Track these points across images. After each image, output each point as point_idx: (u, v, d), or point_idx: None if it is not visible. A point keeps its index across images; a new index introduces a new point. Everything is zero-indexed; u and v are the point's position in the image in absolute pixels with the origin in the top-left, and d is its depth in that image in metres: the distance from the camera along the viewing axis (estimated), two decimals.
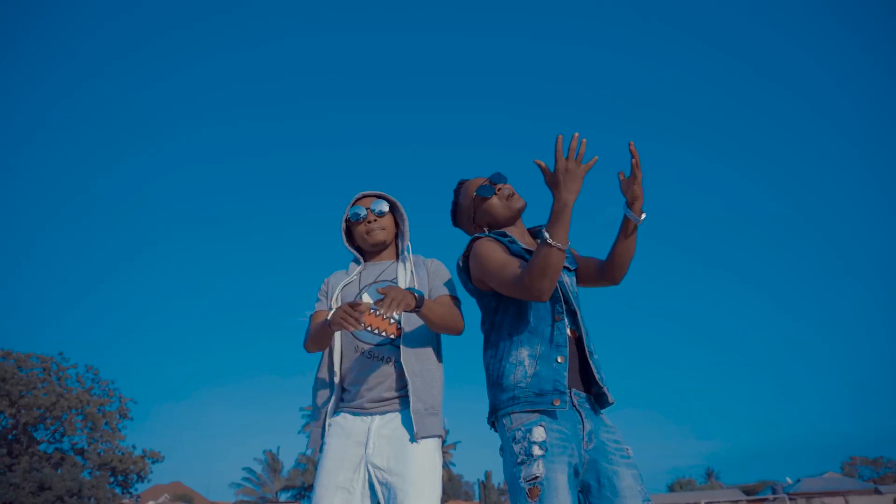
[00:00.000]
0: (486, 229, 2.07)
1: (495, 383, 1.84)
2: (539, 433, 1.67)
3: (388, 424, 1.91)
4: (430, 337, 2.04)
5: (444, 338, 2.11)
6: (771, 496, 41.42)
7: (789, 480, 44.40)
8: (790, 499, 39.74)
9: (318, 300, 2.19)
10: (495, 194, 2.03)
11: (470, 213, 2.10)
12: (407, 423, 1.90)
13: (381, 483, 1.83)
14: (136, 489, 28.30)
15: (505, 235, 1.99)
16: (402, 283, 2.07)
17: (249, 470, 51.74)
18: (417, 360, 1.96)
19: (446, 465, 53.35)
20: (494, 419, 1.84)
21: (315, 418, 2.00)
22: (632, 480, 1.70)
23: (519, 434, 1.70)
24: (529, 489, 1.60)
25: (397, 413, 1.93)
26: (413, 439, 1.86)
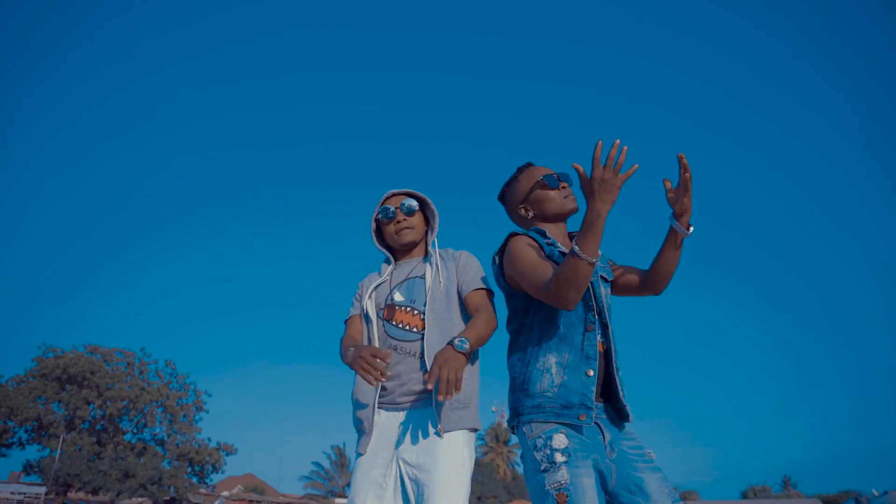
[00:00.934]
0: (529, 213, 2.04)
1: (520, 388, 1.81)
2: (560, 440, 1.66)
3: (419, 420, 1.92)
4: (456, 329, 2.01)
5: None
6: None
7: (875, 493, 41.66)
8: None
9: (352, 304, 2.22)
10: (557, 189, 2.00)
11: (524, 193, 2.05)
12: (434, 417, 1.89)
13: (410, 479, 1.84)
14: (211, 480, 29.63)
15: (544, 235, 1.95)
16: (429, 280, 2.07)
17: (318, 464, 53.16)
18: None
19: (511, 465, 53.07)
20: (516, 423, 1.81)
21: (361, 423, 2.00)
22: (658, 484, 1.69)
23: (540, 441, 1.68)
24: (557, 495, 1.58)
25: (428, 408, 1.92)
26: (437, 433, 1.85)
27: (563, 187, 2.00)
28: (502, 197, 2.16)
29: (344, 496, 48.05)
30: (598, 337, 1.81)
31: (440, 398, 1.67)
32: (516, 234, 1.93)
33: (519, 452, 1.81)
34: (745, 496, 51.23)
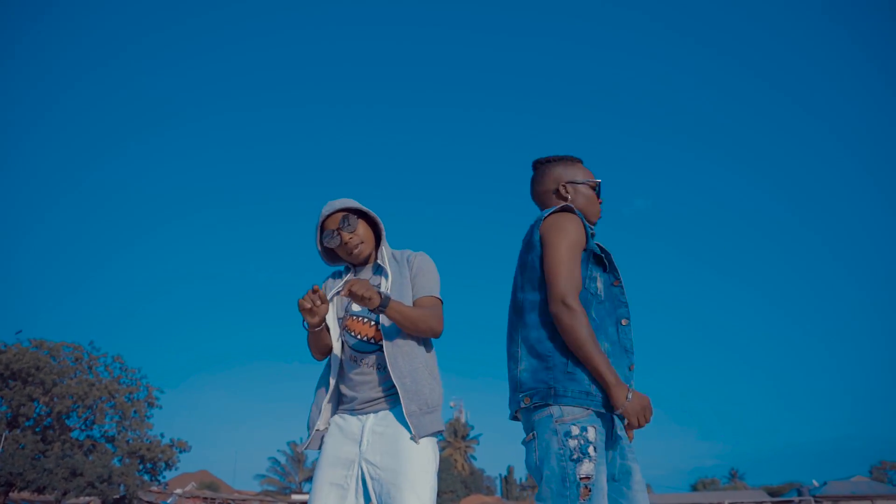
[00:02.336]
0: (568, 195, 2.01)
1: (532, 373, 1.76)
2: (593, 434, 1.66)
3: (382, 422, 1.93)
4: (412, 338, 2.00)
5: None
6: (796, 499, 40.75)
7: (815, 483, 43.53)
8: (816, 501, 39.03)
9: None
10: (599, 200, 2.06)
11: (576, 177, 2.04)
12: (401, 420, 1.90)
13: (373, 479, 1.85)
14: (164, 477, 29.01)
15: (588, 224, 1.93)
16: (383, 289, 2.04)
17: (274, 461, 52.59)
18: (405, 361, 1.94)
19: (468, 459, 53.45)
20: (543, 404, 1.72)
21: (309, 422, 2.05)
22: (639, 476, 1.77)
23: (575, 430, 1.65)
24: (583, 489, 1.59)
25: (390, 410, 1.95)
26: (412, 439, 1.87)
27: (600, 202, 2.07)
28: (547, 163, 2.09)
29: (301, 492, 47.63)
30: (631, 333, 1.84)
31: (343, 293, 1.74)
32: (572, 211, 1.86)
33: (530, 436, 1.76)
34: (694, 489, 52.82)
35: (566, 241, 1.77)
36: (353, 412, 2.00)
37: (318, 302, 1.90)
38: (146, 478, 27.80)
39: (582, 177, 2.05)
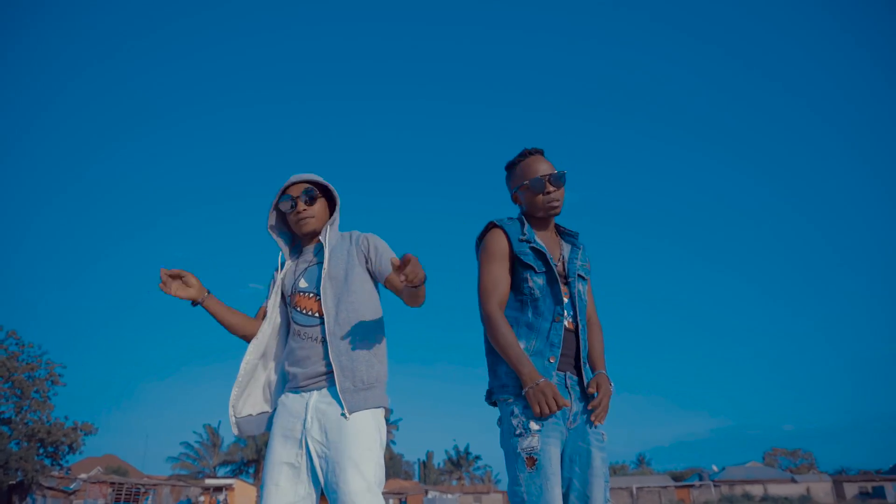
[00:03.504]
0: (521, 205, 2.13)
1: (491, 369, 1.99)
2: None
3: (325, 399, 1.95)
4: (359, 313, 2.04)
5: (390, 317, 2.15)
6: (697, 482, 43.45)
7: (715, 468, 46.58)
8: (715, 485, 41.77)
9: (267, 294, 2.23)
10: (541, 194, 2.04)
11: (515, 185, 2.12)
12: (339, 398, 1.93)
13: (319, 457, 1.89)
14: (66, 461, 27.44)
15: (522, 225, 2.04)
16: (325, 265, 2.08)
17: (187, 444, 50.81)
18: (344, 338, 1.98)
19: (388, 444, 53.57)
20: (490, 400, 1.99)
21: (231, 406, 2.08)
22: (599, 462, 1.88)
23: (517, 409, 1.83)
24: (527, 458, 1.76)
25: (333, 387, 1.96)
26: (342, 415, 1.90)
27: (549, 192, 2.04)
28: (506, 171, 2.21)
29: (215, 477, 46.32)
30: (568, 317, 1.99)
31: (400, 279, 1.71)
32: (494, 226, 2.05)
33: (498, 419, 1.95)
34: None
35: (486, 257, 2.00)
36: (296, 390, 2.02)
37: (167, 278, 2.01)
38: (47, 462, 26.22)
39: (521, 180, 2.10)
